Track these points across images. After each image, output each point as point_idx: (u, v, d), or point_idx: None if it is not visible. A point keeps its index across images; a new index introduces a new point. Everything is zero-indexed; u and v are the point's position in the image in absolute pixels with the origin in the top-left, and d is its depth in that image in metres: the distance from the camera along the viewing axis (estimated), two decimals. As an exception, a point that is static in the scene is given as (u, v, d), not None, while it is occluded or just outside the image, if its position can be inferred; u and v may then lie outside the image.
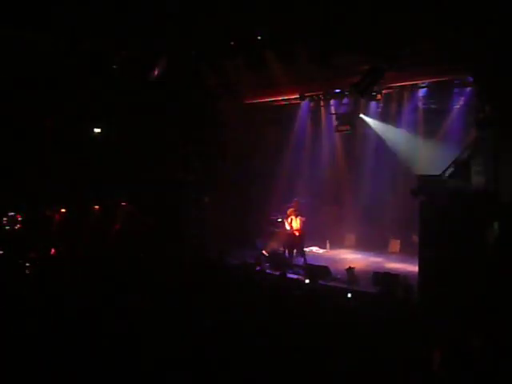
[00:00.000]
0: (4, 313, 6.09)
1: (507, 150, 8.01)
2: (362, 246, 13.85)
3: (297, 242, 11.72)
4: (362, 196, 14.18)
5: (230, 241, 12.79)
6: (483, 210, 7.86)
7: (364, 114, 13.66)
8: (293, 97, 13.65)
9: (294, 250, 11.84)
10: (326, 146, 15.25)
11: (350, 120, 13.50)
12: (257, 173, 15.23)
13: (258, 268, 10.48)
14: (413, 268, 9.92)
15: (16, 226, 11.03)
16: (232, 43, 10.55)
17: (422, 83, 11.66)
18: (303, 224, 11.64)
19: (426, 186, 8.86)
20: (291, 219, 11.67)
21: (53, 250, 10.23)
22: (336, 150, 15.23)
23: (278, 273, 9.73)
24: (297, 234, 11.64)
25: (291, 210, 11.74)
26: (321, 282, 9.54)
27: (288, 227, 11.76)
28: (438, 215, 8.42)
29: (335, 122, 13.95)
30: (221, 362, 5.00)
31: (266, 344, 5.31)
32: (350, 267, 10.36)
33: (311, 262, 11.00)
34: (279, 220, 13.98)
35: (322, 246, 13.79)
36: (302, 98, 13.54)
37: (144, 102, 11.82)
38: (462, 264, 7.76)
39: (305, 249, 13.62)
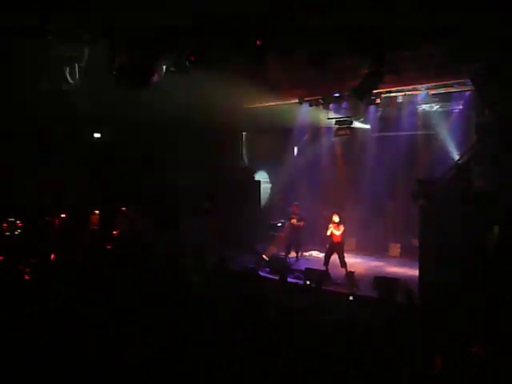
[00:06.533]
0: (4, 319, 6.07)
1: (507, 153, 8.01)
2: (362, 250, 13.83)
3: (337, 249, 11.52)
4: (361, 200, 14.17)
5: (230, 246, 12.77)
6: (484, 214, 7.85)
7: (363, 118, 13.67)
8: (292, 101, 13.65)
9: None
10: (325, 150, 15.27)
11: (349, 124, 13.50)
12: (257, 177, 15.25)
13: (260, 273, 10.50)
14: (413, 272, 9.91)
15: (16, 231, 11.02)
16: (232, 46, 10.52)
17: (422, 87, 11.67)
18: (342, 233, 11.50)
19: (426, 189, 8.85)
20: (335, 226, 11.46)
21: (53, 256, 10.21)
22: (335, 154, 15.24)
23: (277, 277, 9.73)
24: (336, 241, 11.45)
25: (337, 216, 11.56)
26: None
27: (329, 233, 11.56)
28: (438, 219, 8.41)
29: (334, 127, 13.96)
30: (221, 363, 4.99)
31: (266, 345, 5.30)
32: (350, 271, 10.36)
33: (311, 267, 10.97)
34: (279, 225, 13.99)
35: (322, 250, 13.73)
36: (301, 102, 13.54)
37: (143, 106, 11.81)
38: (462, 268, 7.74)
39: (306, 253, 13.71)
